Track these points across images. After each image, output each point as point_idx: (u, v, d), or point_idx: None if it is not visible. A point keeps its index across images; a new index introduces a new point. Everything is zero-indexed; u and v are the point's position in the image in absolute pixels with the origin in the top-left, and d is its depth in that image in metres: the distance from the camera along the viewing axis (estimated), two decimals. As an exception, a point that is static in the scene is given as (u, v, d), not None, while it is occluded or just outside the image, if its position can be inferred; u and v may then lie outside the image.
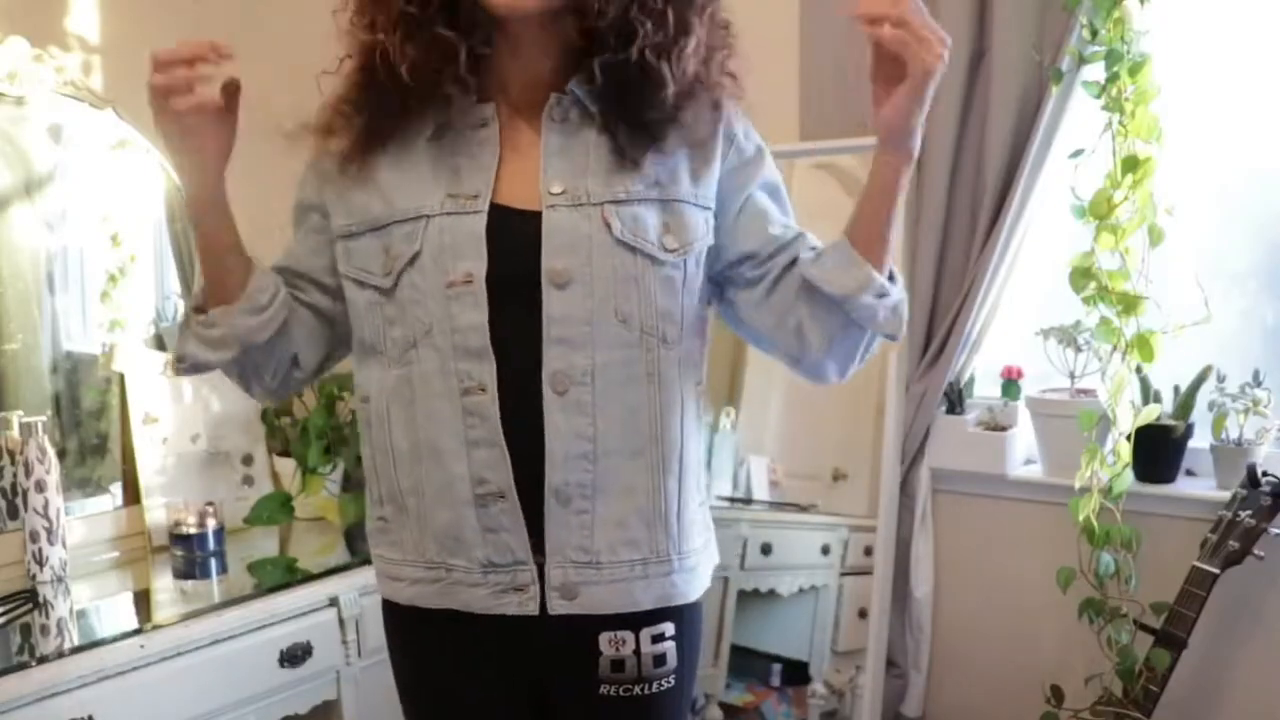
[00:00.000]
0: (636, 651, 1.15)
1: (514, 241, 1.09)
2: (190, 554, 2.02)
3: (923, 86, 1.04)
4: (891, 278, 1.13)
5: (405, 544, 1.17)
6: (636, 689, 1.16)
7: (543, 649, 1.17)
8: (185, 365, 1.20)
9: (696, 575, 1.20)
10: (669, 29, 1.09)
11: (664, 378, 1.13)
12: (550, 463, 1.10)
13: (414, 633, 1.22)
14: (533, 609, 1.13)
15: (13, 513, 1.90)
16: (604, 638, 1.15)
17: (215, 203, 1.14)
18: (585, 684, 1.16)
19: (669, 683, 1.18)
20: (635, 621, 1.15)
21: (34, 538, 1.85)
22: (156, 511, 2.09)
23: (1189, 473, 2.02)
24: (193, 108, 1.04)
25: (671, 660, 1.18)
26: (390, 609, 1.23)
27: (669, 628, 1.17)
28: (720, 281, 1.20)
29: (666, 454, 1.14)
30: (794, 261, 1.16)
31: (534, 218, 1.10)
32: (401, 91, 1.10)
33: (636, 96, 1.10)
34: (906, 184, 1.12)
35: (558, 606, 1.12)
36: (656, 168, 1.13)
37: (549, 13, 1.09)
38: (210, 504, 2.06)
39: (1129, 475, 1.91)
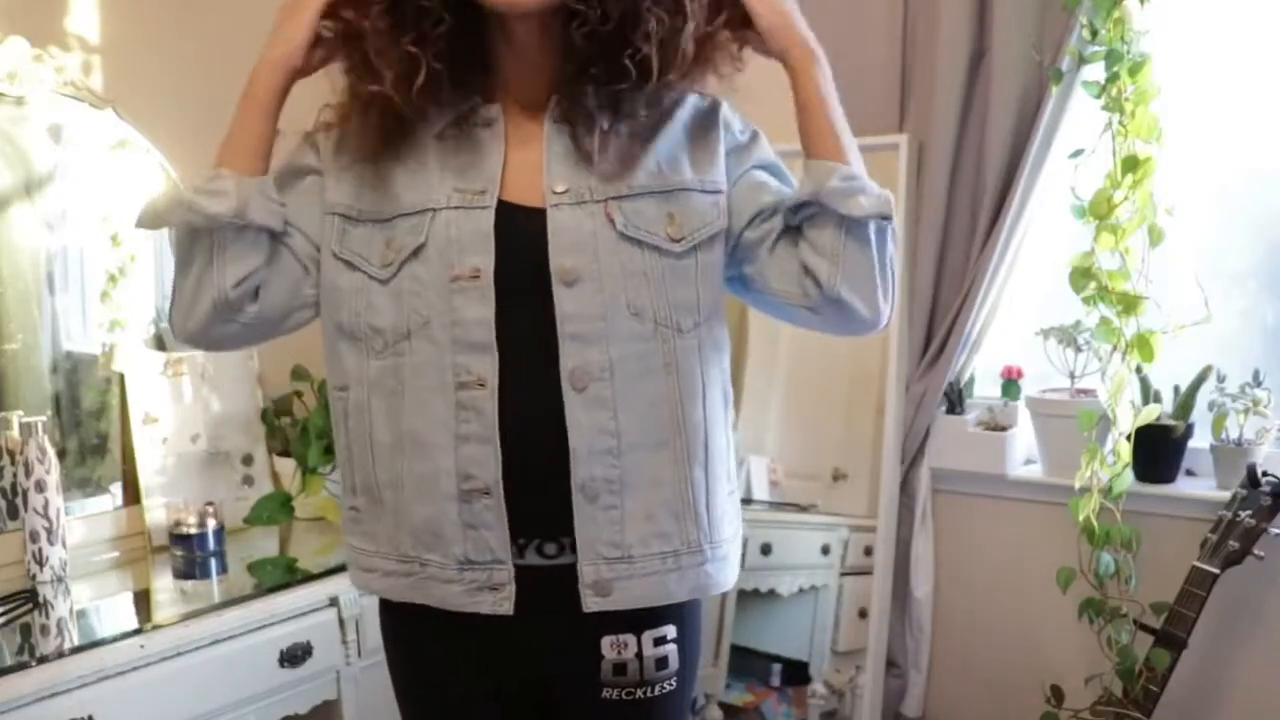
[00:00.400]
0: (639, 655, 1.15)
1: (521, 239, 1.09)
2: (190, 554, 2.02)
3: None
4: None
5: (378, 536, 1.16)
6: (639, 692, 1.16)
7: (531, 649, 1.16)
8: (164, 204, 1.12)
9: (729, 564, 1.20)
10: (679, 21, 1.09)
11: (682, 367, 1.12)
12: (575, 459, 1.09)
13: (403, 626, 1.22)
14: (507, 609, 1.12)
15: (13, 513, 1.90)
16: (606, 641, 1.15)
17: (282, 80, 1.14)
18: (587, 687, 1.16)
19: (671, 685, 1.17)
20: (637, 624, 1.15)
21: (34, 538, 1.85)
22: (156, 511, 2.09)
23: (1189, 473, 2.03)
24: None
25: (673, 663, 1.17)
26: (386, 605, 1.23)
27: (670, 630, 1.17)
28: (733, 262, 1.20)
29: (691, 444, 1.13)
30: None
31: (539, 215, 1.10)
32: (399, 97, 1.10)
33: (645, 91, 1.11)
34: (826, 84, 1.13)
35: (592, 604, 1.12)
36: (657, 160, 1.13)
37: (549, 12, 1.09)
38: (210, 504, 2.06)
39: (1129, 475, 1.91)
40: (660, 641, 1.16)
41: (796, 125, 1.16)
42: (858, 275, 1.12)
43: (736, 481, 1.24)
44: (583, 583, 1.11)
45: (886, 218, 1.12)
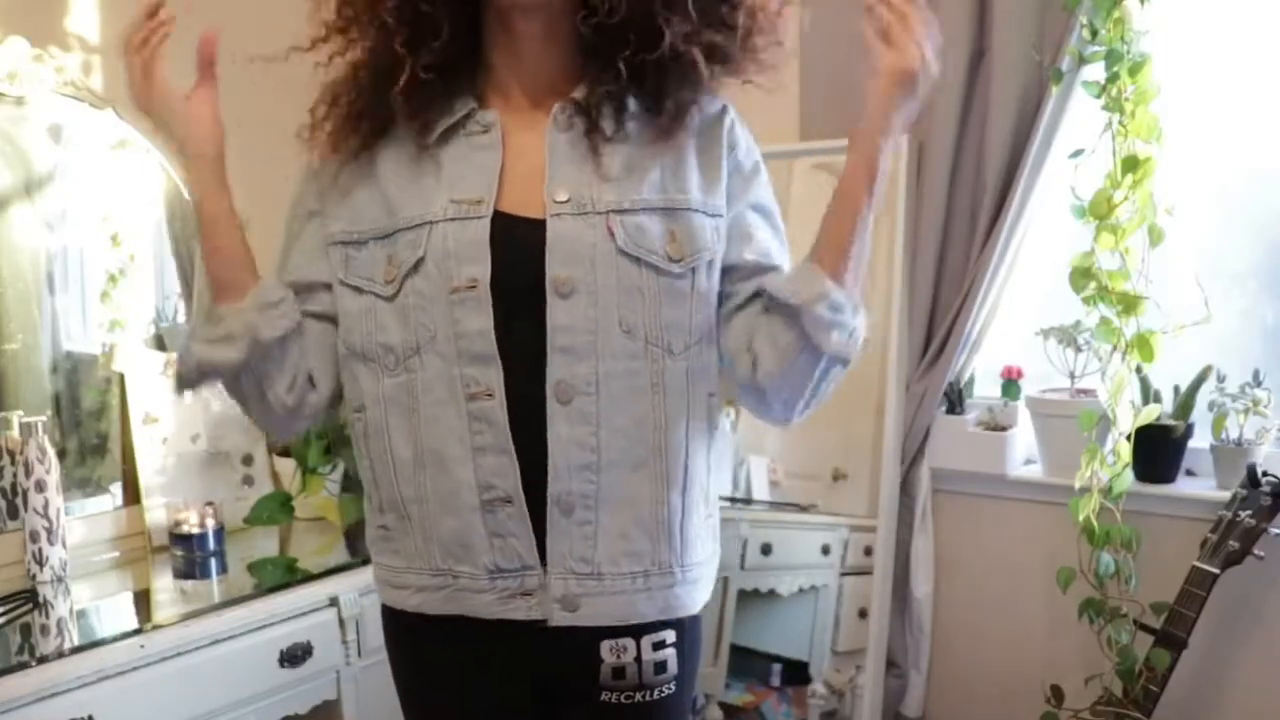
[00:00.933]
0: (638, 659, 1.15)
1: (519, 249, 1.08)
2: (190, 554, 2.02)
3: (897, 86, 1.04)
4: (855, 308, 1.11)
5: (408, 552, 1.16)
6: (638, 695, 1.16)
7: (544, 654, 1.16)
8: (189, 367, 1.16)
9: (699, 587, 1.19)
10: (696, 16, 1.08)
11: (669, 389, 1.11)
12: (553, 472, 1.09)
13: (416, 637, 1.21)
14: (541, 614, 1.13)
15: (13, 513, 1.90)
16: (605, 645, 1.14)
17: (219, 196, 1.15)
18: (587, 690, 1.16)
19: (670, 689, 1.17)
20: (636, 629, 1.15)
21: (34, 538, 1.85)
22: (156, 511, 2.09)
23: (1189, 473, 2.03)
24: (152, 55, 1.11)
25: (673, 667, 1.17)
26: (391, 615, 1.22)
27: (670, 635, 1.16)
28: None
29: (670, 466, 1.12)
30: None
31: (539, 225, 1.09)
32: (392, 98, 1.11)
33: (670, 90, 1.10)
34: (872, 202, 1.08)
35: (559, 618, 1.12)
36: (663, 170, 1.12)
37: (554, 9, 1.09)
38: (210, 504, 2.06)
39: (1129, 475, 1.91)
40: (659, 646, 1.16)
41: (823, 217, 1.11)
42: (792, 385, 1.13)
43: (715, 506, 1.22)
44: (551, 596, 1.11)
45: (845, 361, 1.12)
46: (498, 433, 1.08)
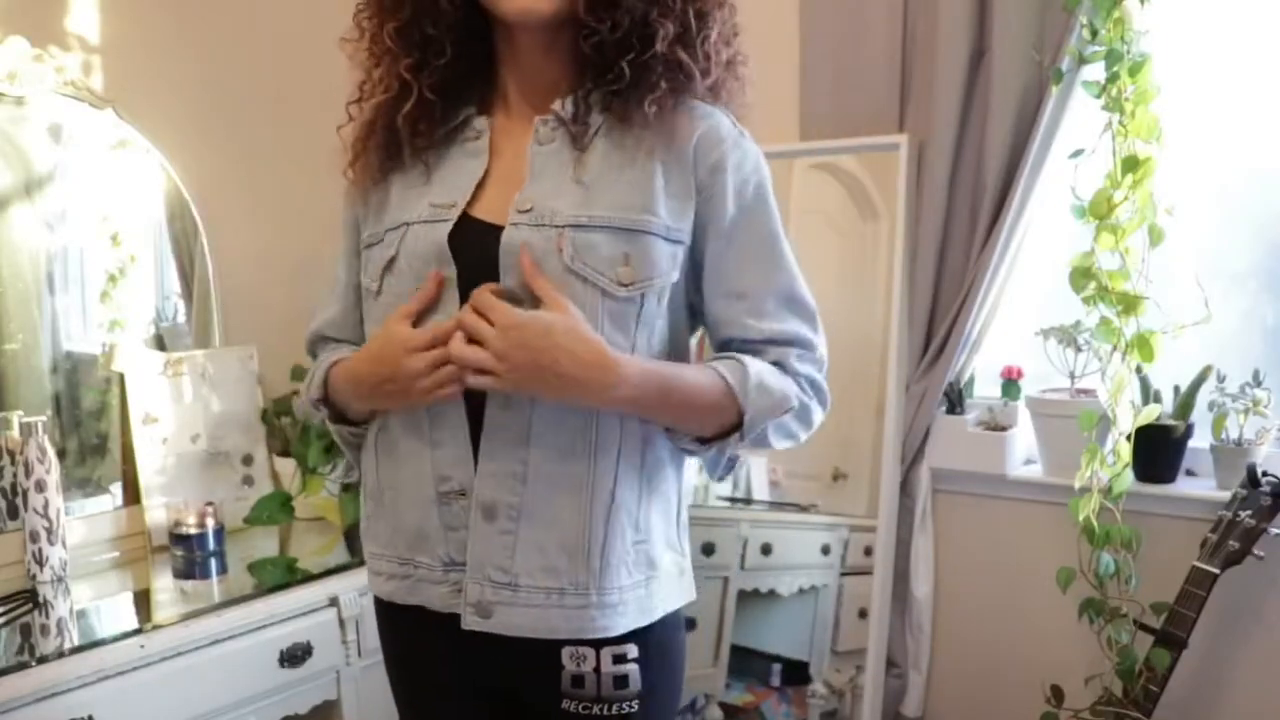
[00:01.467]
0: (597, 670, 1.13)
1: (479, 254, 1.09)
2: (190, 554, 2.02)
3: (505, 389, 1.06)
4: (737, 427, 1.15)
5: (382, 539, 1.20)
6: (596, 708, 1.14)
7: (507, 657, 1.15)
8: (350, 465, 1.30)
9: (619, 613, 1.13)
10: (691, 24, 1.09)
11: (605, 411, 1.10)
12: (481, 478, 1.10)
13: (395, 624, 1.24)
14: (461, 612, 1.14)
15: (13, 513, 1.90)
16: (566, 652, 1.13)
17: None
18: (550, 697, 1.15)
19: (631, 707, 1.14)
20: (597, 639, 1.13)
21: (34, 538, 1.85)
22: (156, 511, 2.09)
23: (1189, 473, 2.02)
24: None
25: (635, 684, 1.14)
26: (376, 599, 1.25)
27: (631, 650, 1.14)
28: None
29: (597, 487, 1.10)
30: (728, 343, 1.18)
31: (499, 233, 1.09)
32: (409, 115, 1.14)
33: (653, 92, 1.09)
34: (641, 402, 1.09)
35: (471, 623, 1.12)
36: (635, 182, 1.10)
37: (555, 25, 1.09)
38: (210, 504, 2.06)
39: (1129, 475, 1.91)
40: (620, 660, 1.14)
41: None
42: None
43: (651, 533, 1.15)
44: (465, 600, 1.12)
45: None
46: (455, 426, 1.11)
